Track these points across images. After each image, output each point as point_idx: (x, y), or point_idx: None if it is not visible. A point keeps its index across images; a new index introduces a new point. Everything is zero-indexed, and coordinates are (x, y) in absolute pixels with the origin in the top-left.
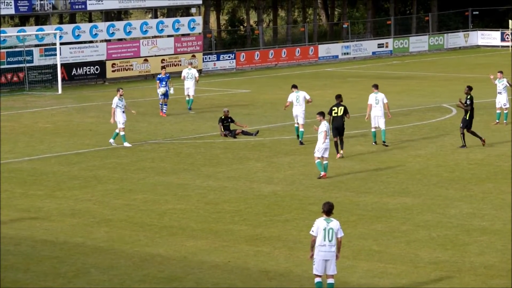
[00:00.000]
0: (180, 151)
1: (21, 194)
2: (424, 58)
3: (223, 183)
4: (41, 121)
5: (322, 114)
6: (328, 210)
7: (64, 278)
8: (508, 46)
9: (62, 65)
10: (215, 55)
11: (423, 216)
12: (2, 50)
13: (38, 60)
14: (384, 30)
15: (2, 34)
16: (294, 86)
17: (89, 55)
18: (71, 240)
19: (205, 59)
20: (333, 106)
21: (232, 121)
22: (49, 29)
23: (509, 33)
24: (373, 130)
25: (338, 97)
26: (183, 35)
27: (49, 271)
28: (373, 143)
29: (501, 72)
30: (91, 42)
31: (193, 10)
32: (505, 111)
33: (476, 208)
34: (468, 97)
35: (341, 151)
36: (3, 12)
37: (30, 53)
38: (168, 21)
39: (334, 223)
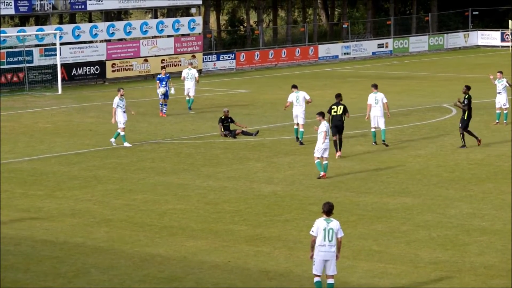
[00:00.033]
0: (180, 151)
1: (21, 194)
2: (424, 58)
3: (223, 183)
4: (41, 121)
5: (322, 114)
6: (328, 210)
7: (64, 278)
8: (508, 46)
9: (62, 65)
10: (215, 55)
11: (423, 216)
12: (2, 50)
13: (38, 60)
14: (384, 30)
15: (2, 34)
16: (294, 86)
17: (89, 55)
18: (71, 240)
19: (205, 59)
20: (333, 105)
21: (232, 121)
22: (49, 29)
23: (509, 33)
24: (372, 130)
25: (338, 96)
26: (183, 35)
27: (49, 271)
28: (373, 143)
29: (500, 72)
30: (91, 42)
31: (193, 10)
32: (504, 111)
33: (476, 208)
34: (466, 96)
35: (339, 152)
36: (3, 12)
37: (30, 53)
38: (168, 21)
39: (334, 223)
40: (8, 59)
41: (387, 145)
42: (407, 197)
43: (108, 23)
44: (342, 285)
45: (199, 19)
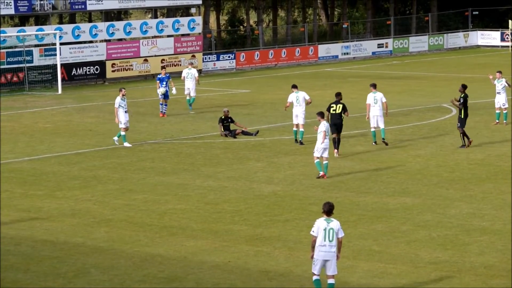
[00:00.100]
0: (180, 151)
1: (21, 194)
2: (424, 58)
3: (223, 183)
4: (41, 121)
5: (321, 114)
6: (328, 210)
7: (64, 278)
8: (508, 46)
9: (62, 65)
10: (215, 55)
11: (423, 216)
12: (2, 50)
13: (38, 60)
14: (384, 30)
15: (2, 34)
16: (294, 86)
17: (89, 55)
18: (71, 240)
19: (205, 59)
20: (332, 103)
21: (232, 121)
22: (49, 29)
23: (509, 33)
24: (372, 130)
25: (338, 95)
26: (183, 35)
27: (49, 271)
28: (373, 143)
29: (500, 72)
30: (91, 42)
31: (193, 10)
32: (504, 111)
33: (476, 208)
34: (462, 95)
35: (336, 152)
36: (3, 12)
37: (30, 53)
38: (168, 21)
39: (335, 223)
40: (8, 59)
41: (386, 144)
42: (407, 197)
43: (108, 23)
44: (342, 285)
45: (199, 19)
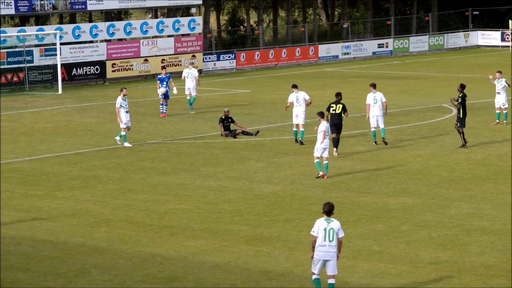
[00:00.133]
0: (180, 151)
1: (21, 194)
2: (424, 58)
3: (223, 183)
4: (41, 121)
5: (321, 114)
6: (328, 210)
7: (64, 278)
8: (508, 46)
9: (62, 65)
10: (215, 55)
11: (423, 216)
12: (2, 50)
13: (38, 60)
14: (384, 30)
15: (2, 34)
16: (294, 86)
17: (89, 55)
18: (72, 240)
19: (205, 59)
20: (332, 103)
21: (233, 121)
22: (49, 29)
23: (509, 33)
24: (372, 130)
25: (338, 95)
26: (183, 35)
27: (49, 271)
28: (374, 143)
29: (499, 72)
30: (91, 42)
31: (193, 10)
32: (504, 111)
33: (476, 208)
34: (460, 95)
35: (335, 151)
36: (3, 12)
37: (30, 53)
38: (168, 21)
39: (335, 223)
40: (8, 59)
41: (386, 143)
42: (407, 197)
43: (108, 23)
44: (342, 285)
45: (199, 19)
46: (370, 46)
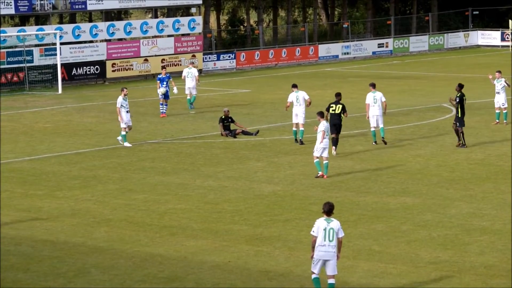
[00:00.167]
0: (180, 151)
1: (21, 194)
2: (424, 58)
3: (223, 183)
4: (41, 121)
5: (321, 114)
6: (328, 210)
7: (64, 278)
8: (508, 46)
9: (62, 65)
10: (215, 55)
11: (423, 216)
12: (2, 50)
13: (38, 60)
14: (384, 30)
15: (2, 34)
16: (294, 86)
17: (89, 55)
18: (72, 240)
19: (205, 59)
20: (332, 103)
21: (233, 121)
22: (49, 29)
23: (509, 33)
24: (372, 129)
25: (338, 95)
26: (183, 35)
27: (49, 271)
28: (374, 143)
29: (499, 71)
30: (91, 42)
31: (193, 10)
32: (504, 111)
33: (476, 208)
34: (458, 94)
35: (334, 149)
36: (3, 12)
37: (30, 53)
38: (168, 21)
39: (335, 223)
40: (8, 59)
41: (385, 143)
42: (407, 197)
43: (108, 23)
44: (342, 285)
45: (199, 19)
46: (370, 46)
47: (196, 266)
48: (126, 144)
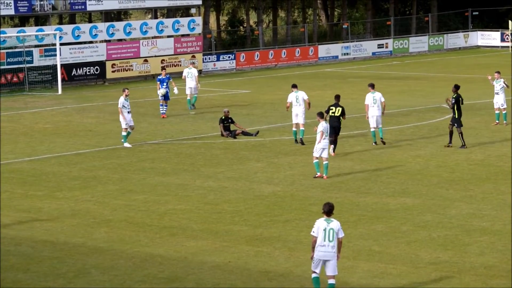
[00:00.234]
0: (180, 152)
1: (21, 195)
2: (424, 59)
3: (223, 184)
4: (41, 121)
5: (321, 114)
6: (328, 210)
7: (64, 278)
8: (508, 47)
9: (62, 65)
10: (215, 56)
11: (423, 216)
12: (2, 51)
13: (38, 60)
14: (384, 31)
15: (2, 35)
16: (294, 86)
17: (89, 56)
18: (72, 240)
19: (205, 59)
20: (331, 105)
21: (232, 121)
22: (48, 29)
23: (509, 34)
24: (372, 130)
25: (337, 97)
26: (183, 35)
27: (49, 271)
28: (373, 144)
29: (498, 72)
30: (91, 42)
31: (193, 10)
32: (503, 112)
33: (476, 208)
34: (454, 95)
35: (333, 149)
36: (3, 12)
37: (30, 53)
38: (168, 21)
39: (335, 224)
40: (8, 60)
41: (384, 143)
42: (407, 198)
43: (108, 24)
44: (342, 285)
45: (199, 20)
46: (369, 46)
47: (196, 267)
48: (126, 144)
